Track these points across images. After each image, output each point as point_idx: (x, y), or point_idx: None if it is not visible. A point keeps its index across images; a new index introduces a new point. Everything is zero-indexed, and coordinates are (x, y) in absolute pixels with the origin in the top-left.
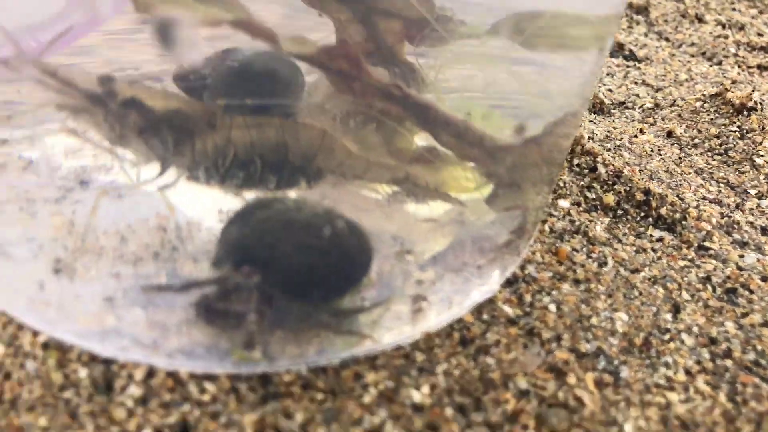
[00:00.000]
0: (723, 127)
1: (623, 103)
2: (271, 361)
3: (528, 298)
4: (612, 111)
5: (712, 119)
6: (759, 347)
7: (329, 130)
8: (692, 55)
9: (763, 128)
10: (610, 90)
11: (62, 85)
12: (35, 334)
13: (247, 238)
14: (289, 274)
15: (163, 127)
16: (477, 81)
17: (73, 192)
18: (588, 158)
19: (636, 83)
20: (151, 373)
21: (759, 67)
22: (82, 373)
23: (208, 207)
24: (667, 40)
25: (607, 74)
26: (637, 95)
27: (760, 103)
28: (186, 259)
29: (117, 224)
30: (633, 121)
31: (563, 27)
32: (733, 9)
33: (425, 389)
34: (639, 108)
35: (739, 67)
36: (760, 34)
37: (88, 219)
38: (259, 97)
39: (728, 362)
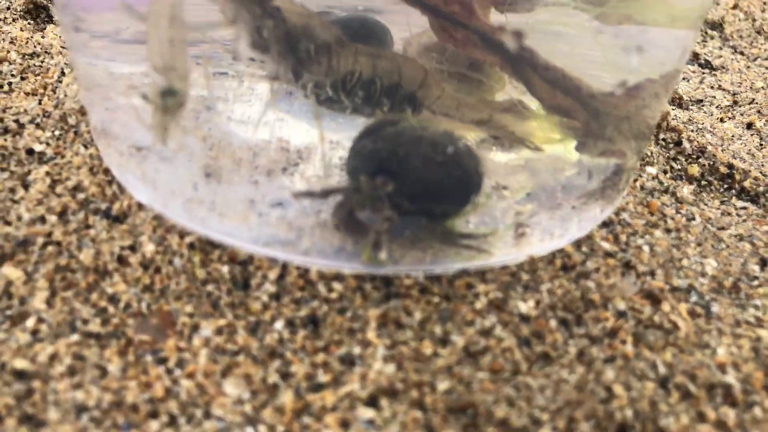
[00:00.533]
0: None
1: (701, 101)
2: (395, 263)
3: (623, 238)
4: (690, 107)
5: None
6: None
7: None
8: (767, 68)
9: None
10: (687, 92)
11: None
12: (182, 235)
13: (381, 150)
14: (417, 185)
15: (302, 39)
16: (562, 48)
17: (202, 113)
18: (673, 134)
19: (712, 87)
20: (283, 273)
21: None
22: (224, 269)
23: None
24: (742, 53)
25: (684, 79)
26: (714, 96)
27: None
28: (308, 174)
29: (248, 143)
30: (712, 115)
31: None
32: None
33: (531, 303)
34: (716, 106)
35: None
36: None
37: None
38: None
39: None
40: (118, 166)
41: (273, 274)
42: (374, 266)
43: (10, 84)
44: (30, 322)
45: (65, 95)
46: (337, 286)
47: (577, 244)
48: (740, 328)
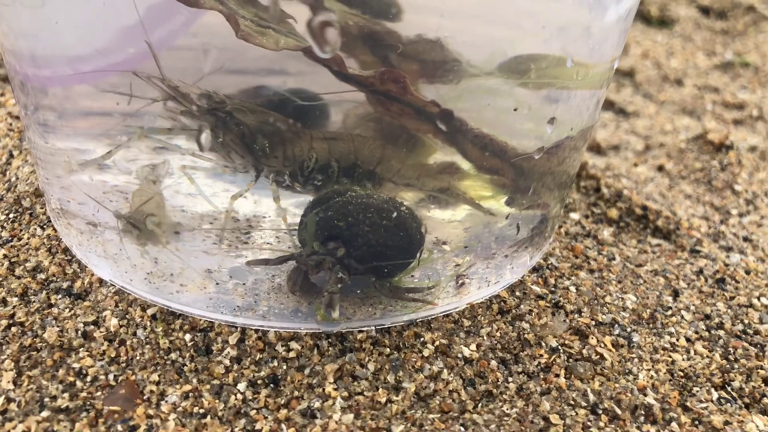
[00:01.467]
0: (705, 162)
1: (617, 146)
2: (347, 320)
3: (552, 281)
4: (608, 152)
5: (695, 156)
6: (746, 321)
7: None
8: (674, 112)
9: (739, 162)
10: (605, 138)
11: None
12: (144, 308)
13: (331, 218)
14: (366, 248)
15: (257, 137)
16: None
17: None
18: (592, 181)
19: (627, 133)
20: (243, 337)
21: (734, 121)
22: (186, 338)
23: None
24: (651, 99)
25: (601, 126)
26: (629, 141)
27: (735, 144)
28: (258, 242)
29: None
30: (627, 160)
31: (553, 69)
32: (707, 74)
33: (473, 347)
34: (631, 150)
35: (716, 121)
36: (733, 95)
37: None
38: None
39: (721, 332)
40: (78, 245)
41: (233, 339)
42: (328, 325)
43: None
44: None
45: (17, 178)
46: (295, 345)
47: (511, 289)
48: (657, 354)
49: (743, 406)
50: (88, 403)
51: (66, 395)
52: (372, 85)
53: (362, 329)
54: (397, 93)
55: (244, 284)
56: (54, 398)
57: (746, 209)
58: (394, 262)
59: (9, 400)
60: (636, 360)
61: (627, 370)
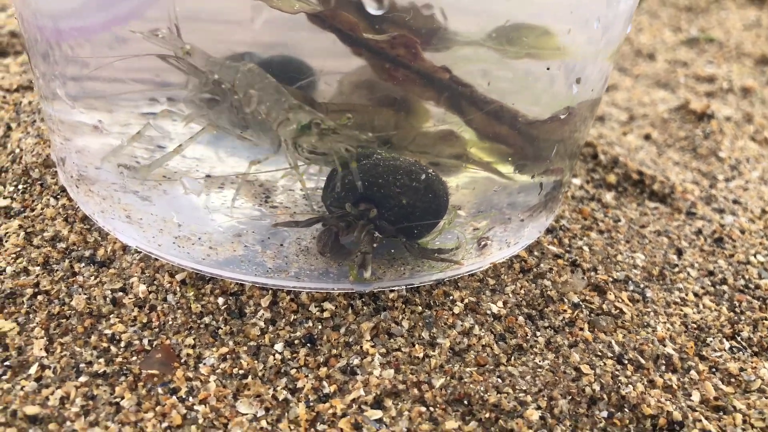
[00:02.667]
0: (689, 131)
1: (602, 117)
2: (379, 280)
3: (566, 241)
4: (595, 123)
5: (679, 125)
6: (746, 276)
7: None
8: (649, 86)
9: (721, 130)
10: None
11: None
12: (172, 274)
13: (362, 180)
14: (397, 210)
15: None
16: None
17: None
18: (590, 148)
19: (608, 105)
20: (275, 300)
21: (707, 94)
22: (219, 301)
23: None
24: (626, 73)
25: None
26: (611, 113)
27: (715, 113)
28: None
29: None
30: (614, 129)
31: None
32: (675, 50)
33: (500, 303)
34: (615, 121)
35: (690, 93)
36: (702, 69)
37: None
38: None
39: (725, 287)
40: (100, 212)
41: (265, 301)
42: (361, 285)
43: None
44: (32, 370)
45: (21, 149)
46: (329, 305)
47: (530, 249)
48: (670, 308)
49: (753, 354)
50: (125, 367)
51: (102, 360)
52: (382, 50)
53: (393, 288)
54: (408, 58)
55: (277, 246)
56: (90, 363)
57: (731, 174)
58: (424, 222)
59: (43, 366)
60: (652, 314)
61: (645, 323)
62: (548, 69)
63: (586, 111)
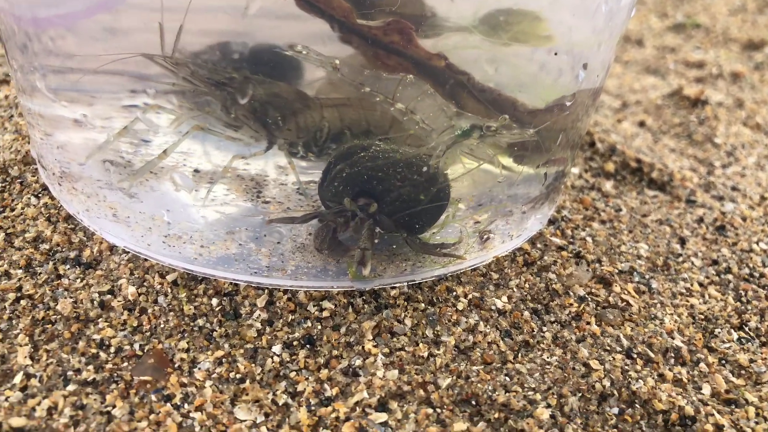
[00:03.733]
0: (683, 117)
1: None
2: (379, 277)
3: (569, 232)
4: None
5: (673, 112)
6: (750, 264)
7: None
8: (638, 72)
9: (716, 116)
10: None
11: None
12: (162, 274)
13: (360, 174)
14: (398, 204)
15: (268, 108)
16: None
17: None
18: (586, 136)
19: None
20: (271, 299)
21: (696, 79)
22: (213, 302)
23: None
24: (615, 59)
25: None
26: (603, 100)
27: (709, 99)
28: (275, 203)
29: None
30: (608, 117)
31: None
32: (662, 36)
33: (504, 299)
34: (608, 108)
35: (680, 79)
36: (690, 55)
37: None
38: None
39: (730, 276)
40: (85, 210)
41: (261, 301)
42: (362, 282)
43: None
44: (17, 379)
45: None
46: (328, 304)
47: (532, 241)
48: (676, 299)
49: (762, 344)
50: (116, 374)
51: (90, 367)
52: (375, 37)
53: (394, 285)
54: (402, 45)
55: (273, 243)
56: (78, 371)
57: (728, 161)
58: (425, 216)
59: (28, 375)
60: (659, 305)
61: (653, 315)
62: (555, 54)
63: (588, 99)
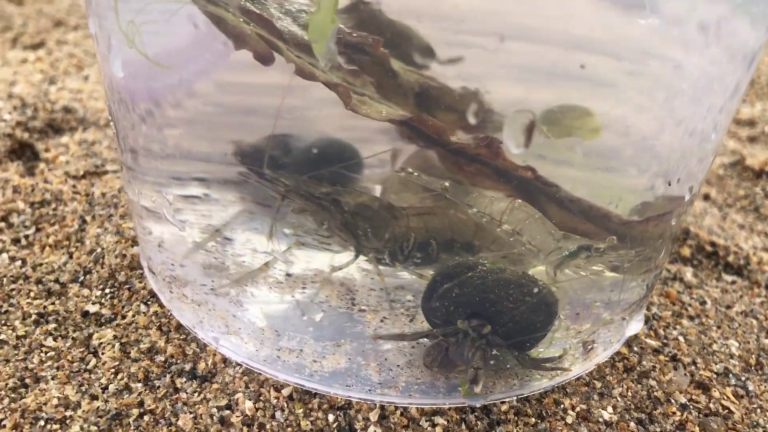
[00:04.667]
0: (748, 189)
1: None
2: (490, 393)
3: (661, 332)
4: None
5: (736, 183)
6: None
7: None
8: None
9: None
10: None
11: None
12: (277, 388)
13: (472, 295)
14: (510, 325)
15: (357, 219)
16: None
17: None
18: None
19: None
20: (384, 414)
21: (749, 138)
22: (329, 417)
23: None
24: None
25: None
26: None
27: None
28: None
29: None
30: None
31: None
32: None
33: (609, 409)
34: None
35: (732, 139)
36: (738, 110)
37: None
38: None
39: None
40: (198, 322)
41: (374, 415)
42: (473, 398)
43: (26, 237)
44: None
45: (102, 249)
46: (440, 420)
47: (628, 343)
48: None
49: None
50: None
51: None
52: (462, 149)
53: (504, 400)
54: (489, 157)
55: (382, 357)
56: None
57: None
58: (537, 335)
59: None
60: (758, 410)
61: (755, 423)
62: (669, 182)
63: (687, 206)
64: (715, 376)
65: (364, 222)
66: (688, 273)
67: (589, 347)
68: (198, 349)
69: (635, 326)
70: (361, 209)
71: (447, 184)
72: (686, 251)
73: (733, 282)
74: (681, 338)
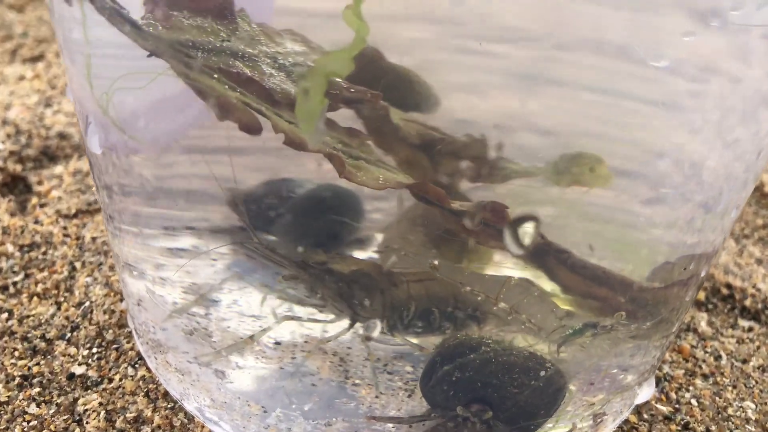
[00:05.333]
0: (766, 218)
1: None
2: None
3: (673, 395)
4: None
5: (755, 211)
6: None
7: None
8: None
9: None
10: None
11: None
12: None
13: (474, 378)
14: (514, 410)
15: (354, 287)
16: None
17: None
18: None
19: None
20: None
21: None
22: None
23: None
24: None
25: None
26: None
27: None
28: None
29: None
30: None
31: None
32: None
33: None
34: None
35: None
36: None
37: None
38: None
39: None
40: (184, 392)
41: None
42: None
43: (15, 284)
44: None
45: (91, 302)
46: None
47: (637, 410)
48: None
49: None
50: None
51: None
52: (466, 213)
53: None
54: (494, 221)
55: None
56: None
57: None
58: (542, 419)
59: None
60: None
61: None
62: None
63: (709, 262)
64: None
65: (360, 290)
66: (703, 322)
67: (599, 420)
68: (186, 420)
69: (646, 391)
70: (357, 276)
71: (435, 262)
72: (700, 294)
73: (750, 329)
74: (694, 401)
